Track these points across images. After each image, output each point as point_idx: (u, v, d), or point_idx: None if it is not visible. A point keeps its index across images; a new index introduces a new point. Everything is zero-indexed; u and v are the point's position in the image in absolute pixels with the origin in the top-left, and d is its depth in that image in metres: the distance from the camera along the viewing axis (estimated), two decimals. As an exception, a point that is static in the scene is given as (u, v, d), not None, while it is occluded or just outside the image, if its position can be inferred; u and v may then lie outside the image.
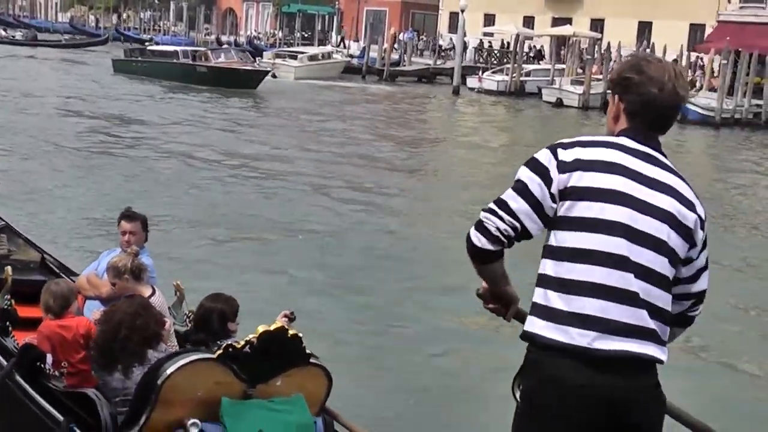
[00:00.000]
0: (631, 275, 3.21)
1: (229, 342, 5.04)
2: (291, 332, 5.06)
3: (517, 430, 3.37)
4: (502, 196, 3.37)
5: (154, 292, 6.13)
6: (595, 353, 3.17)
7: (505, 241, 3.30)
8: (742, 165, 32.29)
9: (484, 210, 3.36)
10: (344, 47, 68.34)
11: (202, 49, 52.20)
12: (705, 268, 3.48)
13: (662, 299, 3.28)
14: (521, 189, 3.33)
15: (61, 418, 4.99)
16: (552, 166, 3.32)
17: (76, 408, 5.06)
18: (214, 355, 4.92)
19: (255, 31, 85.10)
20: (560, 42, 57.44)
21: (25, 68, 48.87)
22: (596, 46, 54.70)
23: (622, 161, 3.33)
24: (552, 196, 3.29)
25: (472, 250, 3.35)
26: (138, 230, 6.81)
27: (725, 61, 44.99)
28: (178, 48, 51.16)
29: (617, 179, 3.27)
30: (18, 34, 70.77)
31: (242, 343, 4.94)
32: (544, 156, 3.37)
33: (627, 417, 3.22)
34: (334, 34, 75.65)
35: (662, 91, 3.42)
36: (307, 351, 5.15)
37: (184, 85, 44.08)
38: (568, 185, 3.28)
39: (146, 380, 4.86)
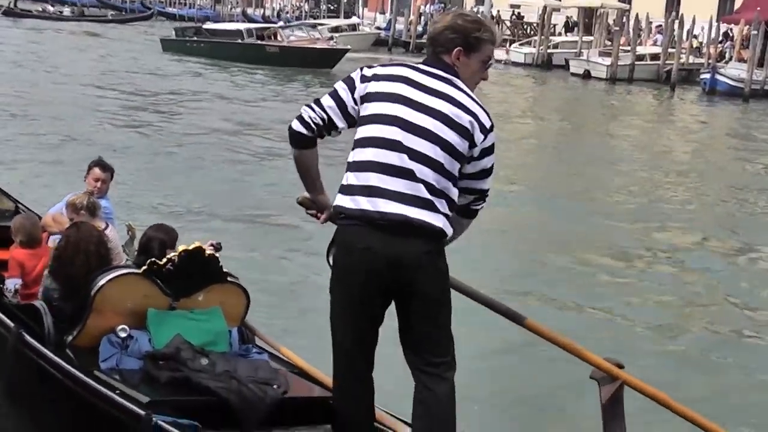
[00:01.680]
0: (405, 156, 4.07)
1: (153, 259, 5.70)
2: (208, 252, 5.76)
3: (330, 289, 4.31)
4: (320, 98, 4.36)
5: (107, 227, 6.78)
6: (376, 215, 4.01)
7: (314, 128, 4.28)
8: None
9: (305, 105, 4.35)
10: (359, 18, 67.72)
11: (271, 26, 48.13)
12: (489, 172, 4.30)
13: (439, 181, 4.09)
14: (333, 93, 4.33)
15: (12, 324, 5.64)
16: (357, 78, 4.31)
17: (25, 318, 5.72)
18: (140, 270, 5.65)
19: (280, 3, 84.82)
20: (588, 13, 56.92)
21: (74, 45, 46.89)
22: (624, 18, 54.16)
23: (407, 75, 4.25)
24: (354, 100, 4.25)
25: (290, 132, 4.35)
26: (107, 179, 7.50)
27: (755, 32, 44.40)
28: (241, 26, 47.60)
29: (400, 86, 4.20)
30: (66, 10, 69.82)
31: (164, 260, 5.65)
32: (354, 73, 4.36)
33: (407, 275, 4.04)
34: (360, 6, 75.24)
35: (437, 23, 4.42)
36: (225, 270, 5.83)
37: (251, 67, 41.03)
38: (365, 92, 4.24)
39: (83, 292, 5.56)
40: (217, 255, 5.85)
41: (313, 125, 4.27)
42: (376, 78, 4.27)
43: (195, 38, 46.84)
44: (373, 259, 4.06)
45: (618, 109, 38.29)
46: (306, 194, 4.54)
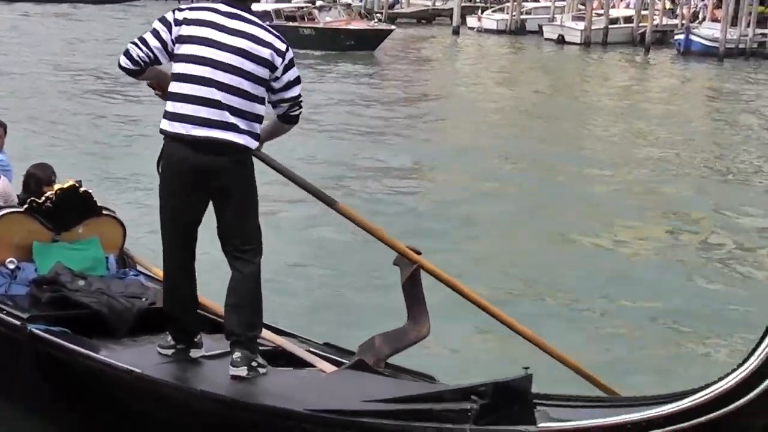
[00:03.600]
0: (214, 89, 4.92)
1: (33, 198, 6.40)
2: (82, 189, 6.50)
3: (159, 194, 5.14)
4: (143, 35, 5.09)
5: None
6: (190, 137, 4.92)
7: (142, 64, 5.08)
8: (745, 96, 32.09)
9: (131, 42, 5.09)
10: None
11: (304, 6, 43.50)
12: (295, 83, 5.12)
13: (244, 105, 4.96)
14: (155, 33, 5.06)
15: None
16: (172, 21, 5.04)
17: None
18: (22, 209, 6.40)
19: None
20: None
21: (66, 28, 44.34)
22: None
23: (212, 19, 5.01)
24: (172, 40, 5.02)
25: (121, 68, 5.14)
26: (1, 135, 7.68)
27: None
28: (268, 7, 42.62)
29: (207, 30, 4.99)
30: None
31: (43, 198, 6.38)
32: (169, 14, 5.09)
33: (216, 180, 4.98)
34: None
35: None
36: (99, 204, 6.62)
37: None
38: (178, 34, 5.01)
39: None
40: (90, 191, 6.60)
41: (141, 62, 5.07)
42: (187, 22, 5.03)
43: None
44: (189, 168, 4.96)
45: (594, 73, 38.38)
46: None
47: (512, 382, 4.31)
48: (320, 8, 42.87)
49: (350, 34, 40.09)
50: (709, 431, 4.06)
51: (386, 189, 15.26)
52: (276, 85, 5.05)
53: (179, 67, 5.03)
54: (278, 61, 5.01)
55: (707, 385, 4.09)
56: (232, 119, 4.93)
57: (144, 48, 5.05)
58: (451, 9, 55.12)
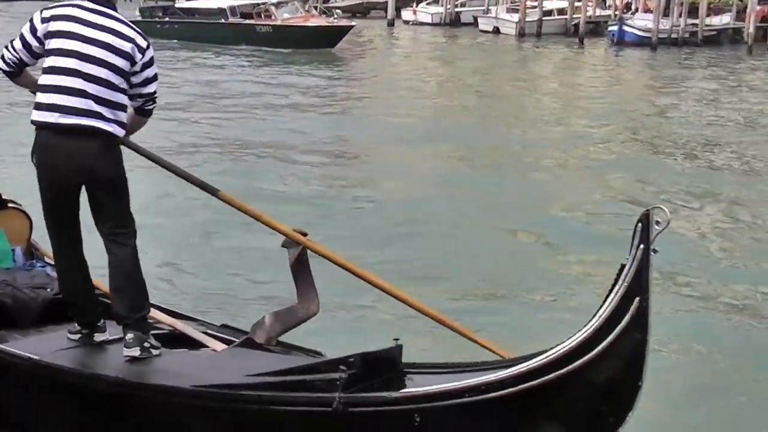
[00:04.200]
0: (80, 79, 5.14)
1: None
2: None
3: (38, 184, 5.28)
4: (13, 40, 5.35)
5: None
6: (59, 126, 5.13)
7: (14, 66, 5.37)
8: (677, 83, 32.65)
9: (5, 47, 5.35)
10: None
11: (260, 3, 41.56)
12: (152, 80, 5.37)
13: (110, 95, 5.18)
14: (21, 37, 5.30)
15: None
16: (38, 21, 5.27)
17: None
18: None
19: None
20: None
21: None
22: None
23: (78, 14, 5.23)
24: (38, 39, 5.26)
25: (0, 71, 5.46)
26: None
27: (659, -17, 45.18)
28: (223, 4, 41.63)
29: (73, 25, 5.20)
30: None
31: None
32: (36, 15, 5.35)
33: (85, 166, 5.15)
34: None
35: None
36: (4, 197, 6.73)
37: (238, 49, 37.25)
38: (47, 31, 5.23)
39: None
40: None
41: (12, 64, 5.38)
42: (54, 18, 5.25)
43: (167, 19, 42.38)
44: (60, 155, 5.17)
45: (529, 63, 38.61)
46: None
47: (381, 353, 4.78)
48: (277, 5, 41.45)
49: (308, 31, 39.04)
50: (556, 388, 4.34)
51: (331, 182, 15.31)
52: (135, 79, 5.29)
53: (49, 61, 5.26)
54: (138, 56, 5.26)
55: (557, 345, 4.35)
56: (98, 108, 5.17)
57: (12, 51, 5.38)
58: (386, 2, 55.14)
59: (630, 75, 35.97)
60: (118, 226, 5.30)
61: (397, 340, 4.85)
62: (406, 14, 54.69)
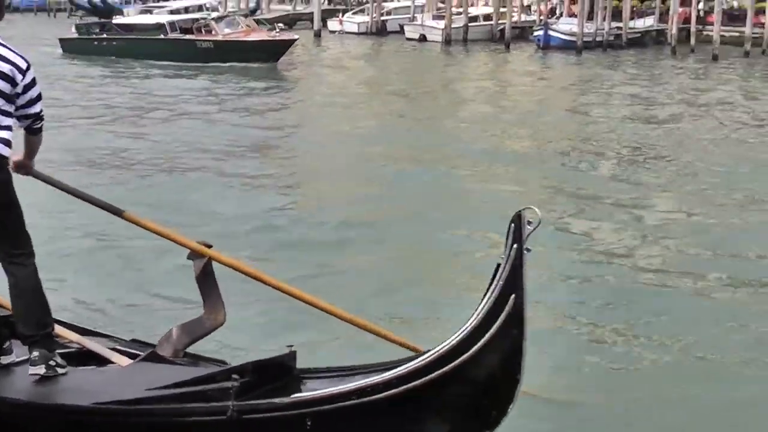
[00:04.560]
0: None
1: None
2: None
3: None
4: None
5: None
6: None
7: None
8: (603, 84, 33.03)
9: None
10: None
11: (200, 17, 40.52)
12: (37, 100, 5.30)
13: None
14: None
15: None
16: None
17: None
18: None
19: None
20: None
21: None
22: (454, -20, 54.78)
23: None
24: None
25: None
26: None
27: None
28: (162, 19, 40.75)
29: None
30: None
31: None
32: None
33: None
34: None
35: None
36: None
37: (179, 66, 36.08)
38: None
39: None
40: None
41: None
42: None
43: (105, 35, 40.72)
44: None
45: (456, 70, 38.70)
46: None
47: (274, 360, 4.95)
48: (218, 19, 40.36)
49: (250, 45, 37.98)
50: (439, 386, 4.51)
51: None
52: (19, 101, 5.26)
53: None
54: (19, 77, 5.22)
55: (439, 344, 4.54)
56: None
57: None
58: (311, 13, 55.09)
59: (555, 78, 36.25)
60: (15, 248, 5.24)
61: (291, 346, 5.00)
62: (333, 24, 54.66)
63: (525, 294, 4.43)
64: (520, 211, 4.34)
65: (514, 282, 4.42)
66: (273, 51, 38.08)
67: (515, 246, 4.35)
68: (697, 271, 11.26)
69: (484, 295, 4.47)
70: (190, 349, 5.44)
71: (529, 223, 4.32)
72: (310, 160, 18.57)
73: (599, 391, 7.77)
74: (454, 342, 4.46)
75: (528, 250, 4.32)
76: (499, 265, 4.42)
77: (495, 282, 4.45)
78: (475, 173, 17.06)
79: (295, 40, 40.04)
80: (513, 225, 4.37)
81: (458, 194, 14.95)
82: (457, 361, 4.44)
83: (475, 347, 4.43)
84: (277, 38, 39.06)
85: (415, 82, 33.50)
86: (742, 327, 9.39)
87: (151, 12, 45.31)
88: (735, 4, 51.14)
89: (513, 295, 4.42)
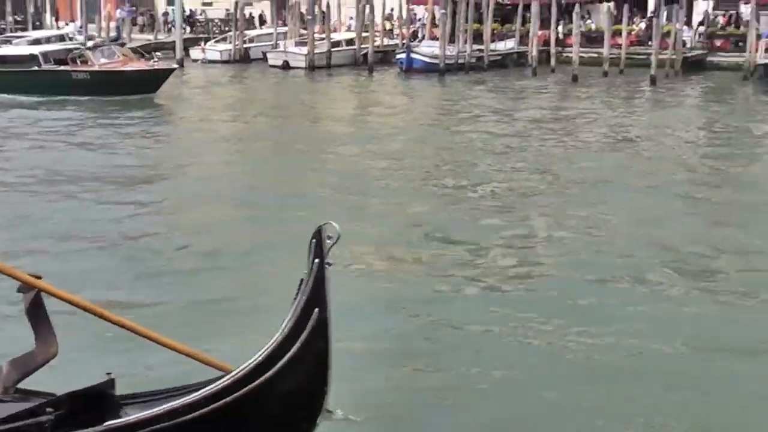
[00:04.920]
0: None
1: None
2: None
3: None
4: None
5: None
6: None
7: None
8: (465, 105, 33.33)
9: None
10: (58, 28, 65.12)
11: (74, 48, 38.17)
12: None
13: None
14: None
15: None
16: None
17: None
18: None
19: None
20: (280, 4, 57.13)
21: None
22: (316, 6, 54.64)
23: None
24: None
25: None
26: None
27: (444, 11, 45.98)
28: (34, 50, 38.26)
29: None
30: None
31: None
32: None
33: None
34: (48, 15, 72.57)
35: None
36: None
37: (51, 99, 34.08)
38: None
39: None
40: None
41: None
42: None
43: None
44: None
45: (321, 95, 38.68)
46: None
47: (91, 389, 4.98)
48: (93, 49, 38.12)
49: (128, 76, 36.13)
50: (249, 401, 4.56)
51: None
52: None
53: None
54: None
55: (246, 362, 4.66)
56: None
57: None
58: (173, 42, 54.30)
59: (418, 100, 36.67)
60: None
61: (109, 374, 5.04)
62: (195, 53, 53.98)
63: (329, 307, 4.48)
64: (320, 226, 4.52)
65: (317, 296, 4.46)
66: (152, 81, 36.47)
67: (316, 260, 4.41)
68: (521, 283, 12.00)
69: (290, 310, 4.53)
70: (25, 384, 5.30)
71: (329, 237, 4.39)
72: (173, 192, 18.32)
73: (407, 405, 8.02)
74: (260, 358, 4.50)
75: (329, 264, 4.42)
76: (302, 280, 4.46)
77: (299, 296, 4.49)
78: (330, 195, 17.11)
79: (174, 69, 39.07)
80: (314, 240, 4.43)
81: (303, 218, 14.79)
82: (264, 377, 4.47)
83: (281, 362, 4.45)
84: (156, 68, 37.49)
85: (281, 109, 33.37)
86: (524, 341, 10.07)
87: (10, 42, 43.36)
88: (593, 26, 52.24)
89: (317, 309, 4.47)
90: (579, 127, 27.76)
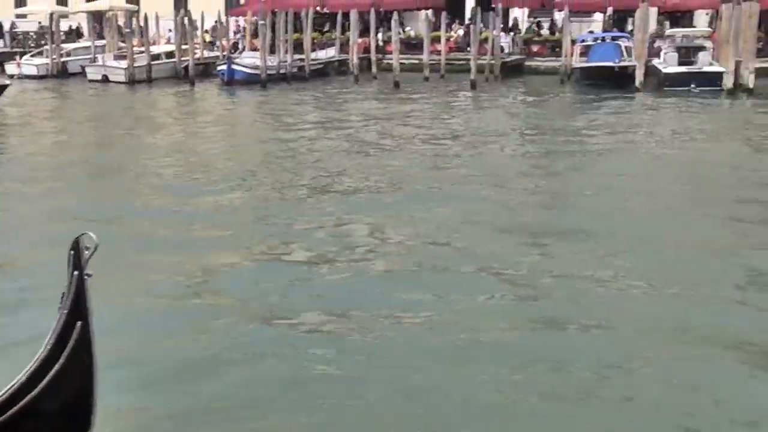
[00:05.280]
0: None
1: None
2: None
3: None
4: None
5: None
6: None
7: None
8: (290, 115, 33.34)
9: None
10: None
11: None
12: None
13: None
14: None
15: None
16: None
17: None
18: None
19: None
20: (97, 17, 55.90)
21: None
22: (134, 19, 53.76)
23: None
24: None
25: None
26: None
27: (263, 22, 45.79)
28: None
29: None
30: None
31: None
32: None
33: None
34: None
35: None
36: None
37: None
38: None
39: None
40: None
41: None
42: None
43: None
44: None
45: (142, 110, 37.81)
46: None
47: None
48: None
49: None
50: (13, 424, 4.29)
51: None
52: None
53: None
54: None
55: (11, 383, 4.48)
56: None
57: None
58: (-13, 57, 52.75)
59: (240, 111, 36.58)
60: None
61: None
62: (10, 68, 52.34)
63: (91, 319, 4.32)
64: (77, 237, 4.26)
65: (78, 309, 4.30)
66: None
67: (76, 272, 4.33)
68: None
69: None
70: None
71: (87, 248, 4.25)
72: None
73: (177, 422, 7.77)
74: (23, 379, 4.28)
75: (89, 275, 4.18)
76: (63, 294, 4.30)
77: (60, 311, 4.33)
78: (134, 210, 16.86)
79: (7, 85, 37.91)
80: (72, 252, 4.37)
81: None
82: (27, 398, 4.23)
83: (45, 380, 4.21)
84: None
85: (99, 124, 32.65)
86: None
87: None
88: (412, 33, 52.93)
89: (79, 322, 4.29)
90: (399, 131, 28.06)
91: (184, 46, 48.24)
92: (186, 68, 47.15)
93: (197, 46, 49.38)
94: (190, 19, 48.80)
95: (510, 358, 9.63)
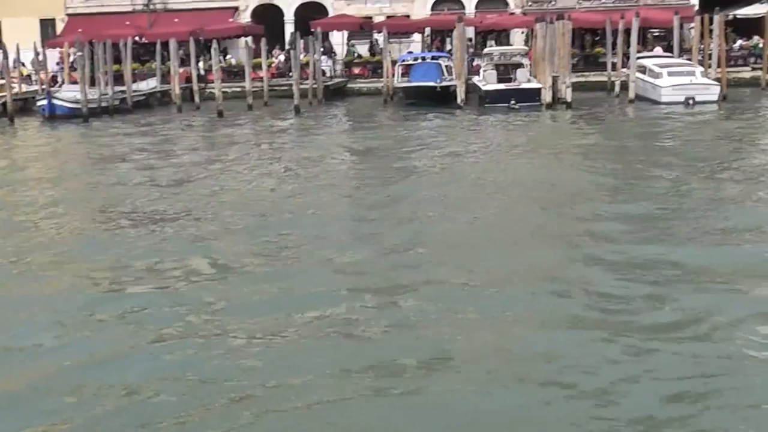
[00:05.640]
0: None
1: None
2: None
3: None
4: None
5: None
6: None
7: None
8: (114, 148, 32.91)
9: None
10: None
11: None
12: None
13: None
14: None
15: None
16: None
17: None
18: None
19: None
20: None
21: None
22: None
23: None
24: None
25: None
26: None
27: (81, 53, 45.05)
28: None
29: None
30: None
31: None
32: None
33: None
34: None
35: None
36: None
37: None
38: None
39: None
40: None
41: None
42: None
43: None
44: None
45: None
46: None
47: None
48: None
49: None
50: None
51: None
52: None
53: None
54: None
55: None
56: None
57: None
58: None
59: (61, 147, 35.71)
60: None
61: None
62: None
63: None
64: None
65: None
66: None
67: None
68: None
69: None
70: None
71: None
72: None
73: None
74: None
75: None
76: None
77: None
78: None
79: None
80: None
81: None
82: None
83: None
84: None
85: None
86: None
87: None
88: (233, 61, 52.94)
89: None
90: (225, 159, 28.12)
91: (0, 81, 46.87)
92: (4, 104, 45.78)
93: (14, 80, 48.09)
94: (5, 52, 47.29)
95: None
